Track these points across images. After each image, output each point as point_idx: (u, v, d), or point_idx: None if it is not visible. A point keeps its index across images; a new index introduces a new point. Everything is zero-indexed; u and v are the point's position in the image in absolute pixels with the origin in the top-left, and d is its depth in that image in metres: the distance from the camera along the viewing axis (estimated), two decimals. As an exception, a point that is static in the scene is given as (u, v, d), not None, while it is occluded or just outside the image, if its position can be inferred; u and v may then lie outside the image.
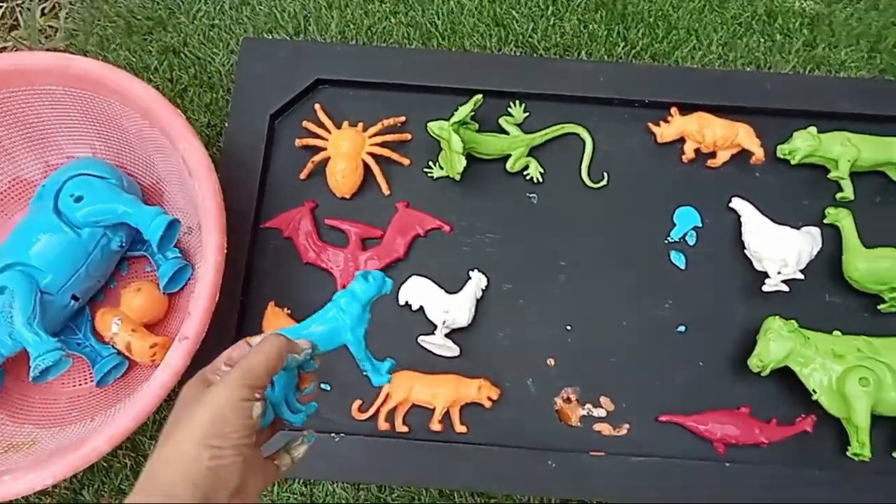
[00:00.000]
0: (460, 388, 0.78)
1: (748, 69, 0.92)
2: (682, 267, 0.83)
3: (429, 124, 0.81)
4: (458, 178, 0.83)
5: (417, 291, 0.81)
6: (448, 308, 0.79)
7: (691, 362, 0.81)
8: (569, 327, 0.82)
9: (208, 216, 0.71)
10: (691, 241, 0.84)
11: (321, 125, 0.86)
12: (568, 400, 0.80)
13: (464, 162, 0.80)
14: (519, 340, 0.82)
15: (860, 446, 0.71)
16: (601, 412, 0.80)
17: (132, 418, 0.66)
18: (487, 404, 0.78)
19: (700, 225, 0.84)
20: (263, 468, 0.48)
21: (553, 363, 0.81)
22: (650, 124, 0.86)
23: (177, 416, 0.45)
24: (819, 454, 0.77)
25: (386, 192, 0.86)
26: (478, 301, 0.82)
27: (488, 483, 0.77)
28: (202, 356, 0.78)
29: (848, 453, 0.73)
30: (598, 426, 0.79)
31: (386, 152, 0.85)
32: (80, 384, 0.82)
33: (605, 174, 0.86)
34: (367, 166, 0.85)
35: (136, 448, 0.81)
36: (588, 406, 0.80)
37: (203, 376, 0.48)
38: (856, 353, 0.74)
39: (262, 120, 0.87)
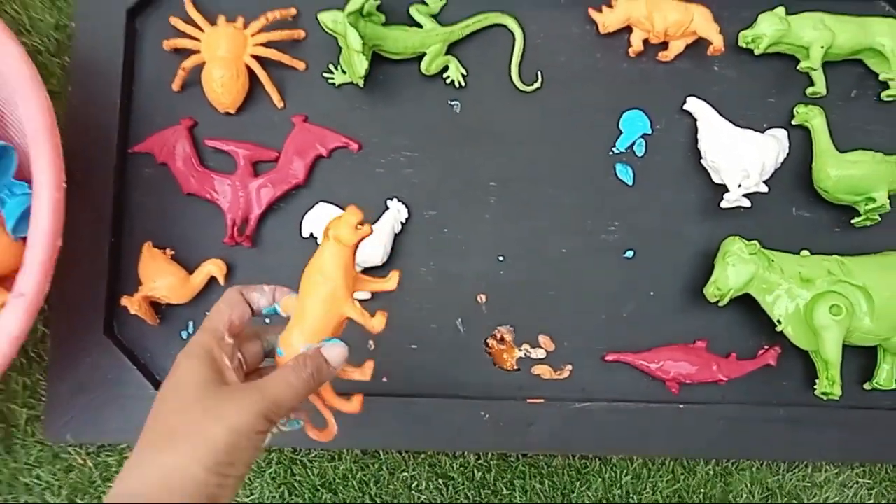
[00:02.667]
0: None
1: (707, -60, 0.78)
2: (630, 182, 0.72)
3: (320, 16, 0.67)
4: (360, 83, 0.68)
5: (324, 222, 0.68)
6: (358, 243, 0.67)
7: (641, 292, 0.70)
8: (501, 258, 0.71)
9: (38, 143, 0.56)
10: (640, 151, 0.72)
11: (191, 22, 0.70)
12: (502, 341, 0.70)
13: (365, 63, 0.66)
14: (444, 276, 0.70)
15: (829, 384, 0.63)
16: (540, 353, 0.70)
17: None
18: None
19: (650, 132, 0.72)
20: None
21: (484, 300, 0.70)
22: (591, 11, 0.72)
23: (180, 415, 0.39)
24: (783, 390, 0.69)
25: (278, 103, 0.71)
26: (396, 235, 0.69)
27: (414, 440, 0.68)
28: (66, 316, 0.66)
29: (816, 392, 0.64)
30: (536, 369, 0.69)
31: (274, 54, 0.70)
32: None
33: (539, 74, 0.72)
34: (252, 73, 0.70)
35: (4, 419, 0.69)
36: (525, 347, 0.70)
37: (209, 352, 0.41)
38: (826, 277, 0.64)
39: (118, 17, 0.70)
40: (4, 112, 0.69)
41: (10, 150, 0.61)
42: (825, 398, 0.64)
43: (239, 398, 0.39)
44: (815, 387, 0.65)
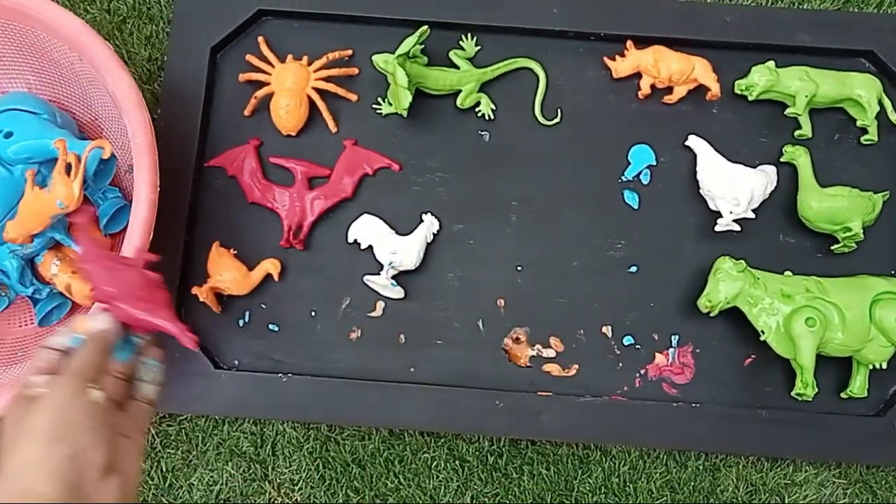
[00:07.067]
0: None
1: (708, 0, 0.88)
2: (636, 207, 0.82)
3: (373, 57, 0.78)
4: (405, 114, 0.80)
5: (367, 230, 0.79)
6: (396, 249, 0.77)
7: (642, 303, 0.80)
8: (519, 268, 0.81)
9: (140, 153, 0.68)
10: (645, 180, 0.82)
11: (264, 59, 0.83)
12: (517, 340, 0.79)
13: (410, 97, 0.78)
14: (469, 282, 0.80)
15: (804, 386, 0.71)
16: (550, 353, 0.79)
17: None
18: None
19: (655, 163, 0.83)
20: (130, 423, 0.48)
21: (503, 304, 0.80)
22: (605, 59, 0.83)
23: (10, 436, 0.44)
24: (766, 395, 0.77)
25: (333, 129, 0.83)
26: (428, 244, 0.80)
27: (436, 422, 0.77)
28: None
29: (792, 393, 0.73)
30: (547, 367, 0.79)
31: (332, 87, 0.82)
32: (25, 325, 0.80)
33: (559, 110, 0.83)
34: (312, 102, 0.82)
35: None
36: (538, 346, 0.79)
37: (19, 394, 0.46)
38: (804, 294, 0.73)
39: (203, 53, 0.83)
40: (104, 128, 0.82)
41: (113, 161, 0.73)
42: (800, 398, 0.72)
43: (50, 388, 0.45)
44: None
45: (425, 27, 0.78)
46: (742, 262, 0.74)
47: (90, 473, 0.43)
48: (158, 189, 0.69)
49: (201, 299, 0.76)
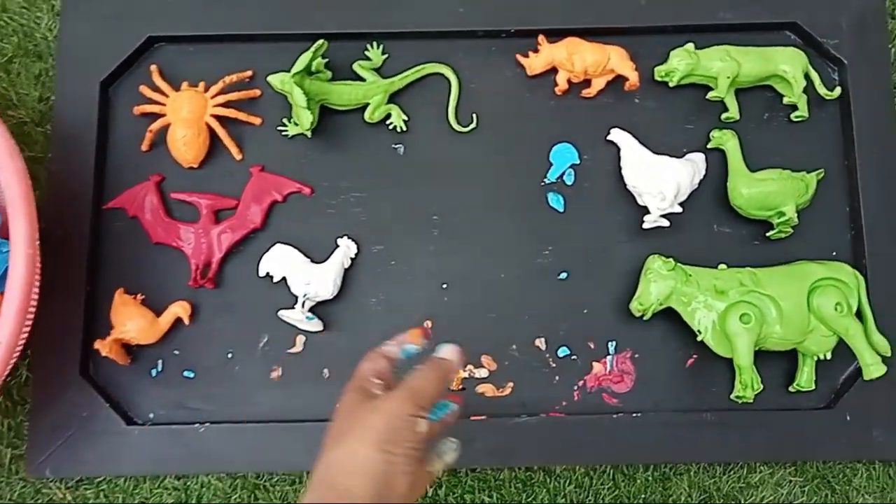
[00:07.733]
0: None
1: (623, -15, 0.84)
2: (561, 209, 0.78)
3: (268, 78, 0.74)
4: (309, 134, 0.76)
5: (279, 261, 0.75)
6: (310, 279, 0.73)
7: (576, 311, 0.76)
8: (445, 285, 0.76)
9: (14, 205, 0.63)
10: (569, 180, 0.78)
11: (157, 89, 0.78)
12: (448, 363, 0.75)
13: (310, 116, 0.73)
14: (392, 305, 0.76)
15: (743, 388, 0.67)
16: (483, 372, 0.75)
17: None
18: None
19: (578, 162, 0.78)
20: (422, 478, 0.50)
21: (430, 325, 0.76)
22: (518, 56, 0.79)
23: (343, 423, 0.47)
24: (711, 396, 0.73)
25: (237, 156, 0.78)
26: (346, 269, 0.76)
27: (367, 459, 0.73)
28: (46, 360, 0.73)
29: (731, 396, 0.69)
30: (480, 388, 0.74)
31: (232, 113, 0.77)
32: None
33: (474, 116, 0.79)
34: (212, 130, 0.77)
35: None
36: (469, 367, 0.75)
37: (360, 386, 0.50)
38: (739, 288, 0.69)
39: (93, 88, 0.78)
40: (-8, 178, 0.77)
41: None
42: (739, 401, 0.68)
43: (391, 394, 0.48)
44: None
45: (322, 41, 0.74)
46: (671, 260, 0.70)
47: (393, 497, 0.45)
48: (38, 244, 0.64)
49: (103, 353, 0.71)
